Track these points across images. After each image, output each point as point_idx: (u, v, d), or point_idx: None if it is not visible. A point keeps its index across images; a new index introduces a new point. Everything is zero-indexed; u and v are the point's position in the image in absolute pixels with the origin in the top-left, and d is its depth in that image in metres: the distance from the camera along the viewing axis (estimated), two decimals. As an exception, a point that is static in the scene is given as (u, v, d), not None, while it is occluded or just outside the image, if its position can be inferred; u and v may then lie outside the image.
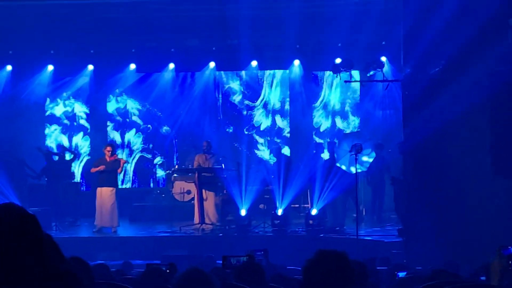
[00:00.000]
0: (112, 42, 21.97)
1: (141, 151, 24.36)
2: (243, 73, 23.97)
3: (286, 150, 22.68)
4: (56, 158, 21.41)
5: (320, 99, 23.62)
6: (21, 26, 20.48)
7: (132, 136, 24.30)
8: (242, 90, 24.10)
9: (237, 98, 24.09)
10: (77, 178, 23.25)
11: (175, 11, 20.50)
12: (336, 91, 23.57)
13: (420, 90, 14.68)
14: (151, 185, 24.25)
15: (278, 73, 23.97)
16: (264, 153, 23.78)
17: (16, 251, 1.75)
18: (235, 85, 24.14)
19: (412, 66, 15.18)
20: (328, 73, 22.39)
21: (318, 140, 22.97)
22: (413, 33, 15.06)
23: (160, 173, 24.20)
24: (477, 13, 13.86)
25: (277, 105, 24.01)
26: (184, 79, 23.98)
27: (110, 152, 18.21)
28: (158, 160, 24.28)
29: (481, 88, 13.82)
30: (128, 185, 23.89)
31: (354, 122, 23.55)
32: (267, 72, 23.97)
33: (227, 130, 23.91)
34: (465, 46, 13.99)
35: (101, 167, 18.08)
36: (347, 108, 23.66)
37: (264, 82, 24.05)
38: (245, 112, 24.07)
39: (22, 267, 1.74)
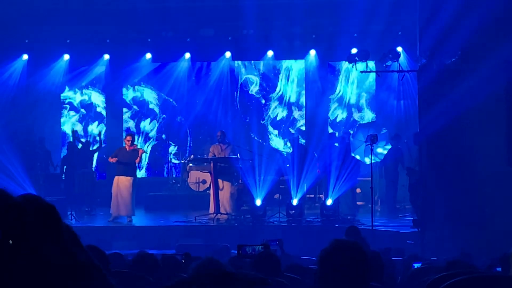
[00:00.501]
0: (128, 31, 22.04)
1: (156, 140, 24.43)
2: (260, 64, 23.97)
3: (301, 141, 22.68)
4: (80, 146, 21.50)
5: (337, 91, 23.59)
6: (37, 15, 20.54)
7: (147, 125, 24.36)
8: (259, 81, 24.10)
9: (254, 89, 24.11)
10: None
11: (191, 0, 20.49)
12: (352, 82, 23.53)
13: (436, 81, 14.63)
14: (165, 174, 24.30)
15: (295, 65, 23.95)
16: (279, 143, 23.79)
17: (35, 241, 1.76)
18: (252, 76, 24.15)
19: (428, 56, 15.13)
20: (344, 64, 22.32)
21: (332, 131, 22.93)
22: (429, 23, 15.00)
23: (174, 162, 24.26)
24: (493, 2, 13.79)
25: (293, 96, 24.00)
26: (199, 69, 24.02)
27: (130, 142, 18.23)
28: (172, 149, 24.33)
29: (497, 78, 13.75)
30: (143, 174, 23.94)
31: (369, 112, 23.51)
32: (284, 64, 23.96)
33: (243, 120, 23.92)
34: (481, 36, 13.93)
35: (114, 159, 18.10)
36: (362, 99, 23.62)
37: (281, 74, 24.03)
38: (263, 101, 24.07)
39: (42, 257, 1.75)
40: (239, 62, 24.03)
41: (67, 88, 24.07)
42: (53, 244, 1.78)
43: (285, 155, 22.03)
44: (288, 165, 19.28)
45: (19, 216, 1.77)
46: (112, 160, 18.24)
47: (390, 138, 19.03)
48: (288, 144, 23.02)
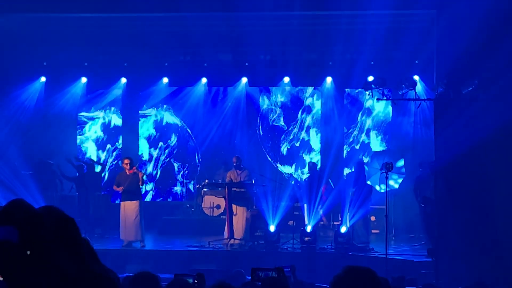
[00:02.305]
0: (145, 55, 22.15)
1: (168, 164, 24.44)
2: (279, 94, 23.98)
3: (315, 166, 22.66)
4: (85, 167, 21.50)
5: (358, 119, 23.54)
6: (55, 38, 20.67)
7: (161, 149, 24.40)
8: (278, 110, 24.09)
9: (272, 116, 24.11)
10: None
11: (209, 26, 20.57)
12: (369, 110, 23.51)
13: (452, 109, 14.59)
14: (169, 199, 24.36)
15: (312, 91, 23.96)
16: (293, 170, 23.75)
17: (55, 252, 1.77)
18: (270, 102, 24.15)
19: (445, 84, 15.10)
20: (364, 93, 22.27)
21: (347, 156, 22.87)
22: (446, 52, 15.01)
23: (184, 186, 24.29)
24: (510, 32, 13.79)
25: (311, 123, 23.99)
26: (216, 94, 24.06)
27: (129, 165, 18.16)
28: (182, 173, 24.38)
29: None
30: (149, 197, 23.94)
31: (385, 140, 23.46)
32: (306, 91, 23.97)
33: (260, 146, 23.92)
34: (498, 65, 13.91)
35: (120, 188, 18.09)
36: (378, 126, 23.58)
37: (304, 101, 24.05)
38: (284, 127, 24.06)
39: (59, 267, 1.76)
40: (256, 88, 24.01)
41: (81, 111, 24.11)
42: (71, 256, 1.79)
43: (301, 181, 21.99)
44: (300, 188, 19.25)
45: (38, 226, 1.78)
46: (118, 189, 18.22)
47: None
48: (301, 170, 22.98)
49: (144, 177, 19.00)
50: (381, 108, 23.36)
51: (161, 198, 24.25)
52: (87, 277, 1.80)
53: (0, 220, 1.81)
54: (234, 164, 18.97)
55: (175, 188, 24.41)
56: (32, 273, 1.73)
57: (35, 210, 1.81)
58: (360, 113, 23.58)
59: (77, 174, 21.15)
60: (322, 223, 19.80)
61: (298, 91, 24.06)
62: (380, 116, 23.53)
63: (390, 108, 22.96)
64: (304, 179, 21.12)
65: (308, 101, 24.05)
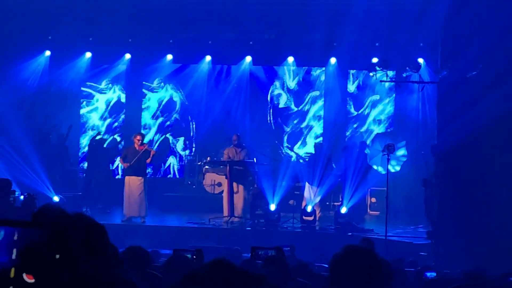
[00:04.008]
0: (150, 32, 22.09)
1: (168, 140, 24.48)
2: (284, 75, 23.98)
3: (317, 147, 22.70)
4: (94, 143, 21.54)
5: (366, 104, 23.53)
6: (61, 13, 20.64)
7: (163, 124, 24.45)
8: (283, 91, 24.10)
9: (277, 97, 24.13)
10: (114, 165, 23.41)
11: (214, 3, 20.54)
12: (372, 93, 23.49)
13: (456, 93, 14.60)
14: (169, 173, 24.41)
15: (319, 74, 23.94)
16: (297, 150, 23.75)
17: (83, 256, 1.83)
18: (275, 84, 24.17)
19: (449, 68, 15.09)
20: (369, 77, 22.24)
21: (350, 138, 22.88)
22: (451, 36, 14.99)
23: (180, 163, 24.39)
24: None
25: (315, 104, 24.01)
26: (220, 72, 24.06)
27: (140, 141, 18.16)
28: (180, 149, 24.46)
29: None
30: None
31: (387, 122, 23.45)
32: (312, 73, 23.97)
33: (265, 125, 23.95)
34: (502, 49, 13.90)
35: (126, 164, 18.12)
36: (381, 108, 23.57)
37: (308, 81, 24.05)
38: (294, 108, 24.08)
39: (88, 272, 1.82)
40: (260, 67, 24.00)
41: (85, 86, 24.11)
42: (99, 261, 1.84)
43: (303, 162, 22.01)
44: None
45: (69, 231, 1.83)
46: (124, 164, 18.24)
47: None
48: (304, 151, 23.04)
49: (156, 155, 18.94)
50: (387, 96, 23.32)
51: (160, 175, 24.25)
52: (113, 283, 1.86)
53: (32, 224, 1.87)
54: (235, 142, 18.97)
55: (172, 163, 24.44)
56: (60, 277, 1.79)
57: (66, 214, 1.87)
58: (368, 99, 23.54)
59: (87, 149, 21.22)
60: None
61: (304, 72, 24.03)
62: (387, 103, 23.48)
63: (394, 96, 22.91)
64: (306, 160, 21.10)
65: (313, 83, 24.03)
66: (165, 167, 24.49)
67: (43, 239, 1.80)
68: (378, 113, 23.54)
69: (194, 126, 24.31)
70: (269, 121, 24.07)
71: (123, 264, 1.96)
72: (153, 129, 24.42)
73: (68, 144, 22.26)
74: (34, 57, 22.62)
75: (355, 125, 23.54)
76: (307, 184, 18.94)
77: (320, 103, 23.95)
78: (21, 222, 1.88)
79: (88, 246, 1.84)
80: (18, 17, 20.40)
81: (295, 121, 24.04)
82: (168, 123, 24.50)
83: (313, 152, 20.13)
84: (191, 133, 24.37)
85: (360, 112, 23.55)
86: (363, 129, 23.47)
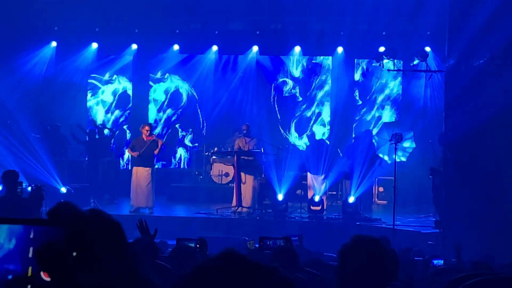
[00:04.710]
0: (156, 22, 22.08)
1: (176, 130, 24.49)
2: (292, 64, 23.96)
3: (323, 135, 22.68)
4: (96, 136, 21.53)
5: (372, 91, 23.49)
6: (66, 3, 20.62)
7: (171, 115, 24.44)
8: (291, 81, 24.08)
9: (284, 87, 24.12)
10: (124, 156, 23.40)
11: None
12: (377, 78, 23.44)
13: (463, 82, 14.55)
14: (180, 165, 24.43)
15: (327, 64, 23.89)
16: (301, 140, 23.74)
17: (100, 255, 1.82)
18: (283, 73, 24.14)
19: (457, 57, 15.04)
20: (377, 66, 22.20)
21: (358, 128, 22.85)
22: (459, 24, 14.93)
23: (188, 154, 24.41)
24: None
25: (323, 94, 23.98)
26: (226, 62, 24.03)
27: (148, 132, 18.12)
28: (191, 139, 24.48)
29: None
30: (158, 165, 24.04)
31: (396, 112, 23.41)
32: (320, 62, 23.95)
33: (272, 115, 23.93)
34: (510, 38, 13.84)
35: (135, 154, 18.09)
36: (387, 92, 23.51)
37: (315, 71, 24.01)
38: (299, 98, 24.06)
39: (105, 270, 1.80)
40: (267, 57, 23.96)
41: (92, 77, 24.11)
42: (116, 259, 1.83)
43: (309, 151, 22.00)
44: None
45: (85, 228, 1.82)
46: (133, 154, 18.22)
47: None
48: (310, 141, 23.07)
49: (164, 146, 18.91)
50: (393, 80, 23.27)
51: (164, 163, 24.21)
52: (130, 281, 1.85)
53: (47, 222, 1.86)
54: (244, 131, 18.94)
55: (182, 154, 24.47)
56: (77, 275, 1.78)
57: (82, 212, 1.85)
58: (374, 88, 23.49)
59: (87, 139, 21.17)
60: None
61: (311, 62, 24.00)
62: (392, 88, 23.44)
63: (401, 80, 22.88)
64: (310, 149, 21.06)
65: (321, 73, 23.99)
66: (177, 159, 24.50)
67: (60, 237, 1.79)
68: (384, 97, 23.48)
69: (201, 116, 24.31)
70: (276, 110, 24.04)
71: (142, 263, 1.95)
72: (161, 122, 24.41)
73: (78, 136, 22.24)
74: (40, 48, 22.63)
75: (362, 111, 23.48)
76: (309, 174, 18.95)
77: (327, 87, 23.88)
78: (37, 220, 1.87)
79: (106, 244, 1.82)
80: (25, 8, 20.37)
81: (302, 108, 23.99)
82: (174, 117, 24.47)
83: (317, 140, 20.15)
84: (199, 124, 24.36)
85: (367, 98, 23.49)
86: (369, 116, 23.43)
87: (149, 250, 6.58)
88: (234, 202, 18.32)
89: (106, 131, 21.79)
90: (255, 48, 23.18)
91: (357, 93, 23.49)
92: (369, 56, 21.25)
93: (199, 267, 1.87)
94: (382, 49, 18.23)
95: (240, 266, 1.86)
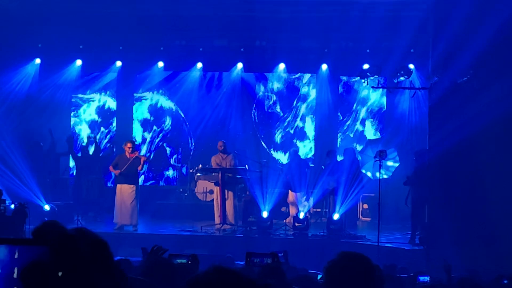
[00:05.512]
0: (141, 39, 22.07)
1: (161, 148, 24.47)
2: (275, 81, 24.01)
3: (310, 150, 22.68)
4: (80, 154, 21.48)
5: (354, 108, 23.55)
6: (50, 20, 20.55)
7: (155, 133, 24.40)
8: (274, 97, 24.11)
9: (267, 103, 24.14)
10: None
11: (205, 10, 20.53)
12: (363, 98, 23.52)
13: (447, 99, 14.63)
14: (161, 183, 24.39)
15: (309, 79, 23.95)
16: (285, 156, 23.74)
17: (87, 273, 1.80)
18: (266, 89, 24.17)
19: (440, 74, 15.13)
20: (360, 82, 22.26)
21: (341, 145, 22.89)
22: (442, 42, 15.02)
23: (173, 171, 24.36)
24: (505, 22, 13.81)
25: (306, 111, 24.02)
26: (211, 79, 24.04)
27: (131, 149, 18.05)
28: (176, 157, 24.44)
29: (509, 98, 13.74)
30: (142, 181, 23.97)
31: (379, 129, 23.47)
32: (303, 79, 24.00)
33: (256, 132, 23.93)
34: (493, 55, 13.94)
35: (116, 172, 18.02)
36: (373, 115, 23.58)
37: (298, 87, 24.06)
38: (281, 114, 24.07)
39: None
40: (252, 74, 23.99)
41: (76, 94, 24.05)
42: (103, 278, 1.81)
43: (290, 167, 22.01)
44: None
45: (71, 248, 1.80)
46: (114, 171, 18.12)
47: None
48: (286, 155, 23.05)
49: (146, 162, 18.86)
50: (376, 97, 23.36)
51: (152, 182, 24.23)
52: None
53: (33, 241, 1.84)
54: (221, 148, 18.86)
55: (167, 172, 24.44)
56: None
57: (67, 231, 1.84)
58: (356, 102, 23.57)
59: (80, 155, 21.15)
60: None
61: (294, 78, 24.06)
62: (375, 105, 23.52)
63: (385, 97, 22.97)
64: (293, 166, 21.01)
65: (304, 89, 24.05)
66: (165, 176, 24.50)
67: (45, 257, 1.76)
68: (367, 111, 23.56)
69: (186, 134, 24.27)
70: (258, 127, 24.05)
71: (127, 280, 1.93)
72: (147, 140, 24.38)
73: (58, 152, 22.16)
74: (24, 65, 22.53)
75: (346, 125, 23.54)
76: (290, 191, 18.94)
77: (311, 101, 23.92)
78: (21, 240, 1.85)
79: (94, 263, 1.80)
80: (8, 24, 20.32)
81: (284, 124, 24.01)
82: (161, 135, 24.44)
83: (299, 157, 20.15)
84: (184, 142, 24.31)
85: (349, 114, 23.56)
86: (352, 134, 23.48)
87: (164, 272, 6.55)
88: (217, 220, 18.25)
89: (91, 150, 21.75)
90: (240, 65, 23.18)
91: (340, 109, 23.54)
92: (353, 73, 21.31)
93: (192, 282, 1.85)
94: (366, 66, 18.28)
95: (235, 282, 1.85)
